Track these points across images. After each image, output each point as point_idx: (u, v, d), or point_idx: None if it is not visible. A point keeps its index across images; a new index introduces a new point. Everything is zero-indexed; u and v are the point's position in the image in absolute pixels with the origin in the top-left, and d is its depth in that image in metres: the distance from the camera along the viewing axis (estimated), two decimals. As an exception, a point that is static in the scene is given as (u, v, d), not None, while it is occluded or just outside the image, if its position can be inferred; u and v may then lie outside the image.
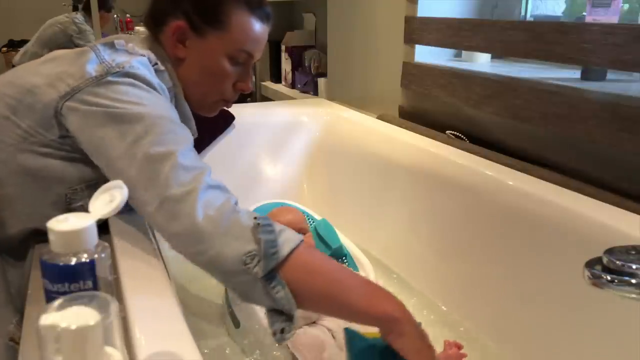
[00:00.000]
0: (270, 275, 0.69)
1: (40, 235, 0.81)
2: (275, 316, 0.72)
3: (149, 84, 0.82)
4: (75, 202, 0.83)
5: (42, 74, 0.83)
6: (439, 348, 1.05)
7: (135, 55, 0.85)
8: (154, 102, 0.79)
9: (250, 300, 0.72)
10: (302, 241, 0.72)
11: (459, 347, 0.91)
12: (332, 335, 0.98)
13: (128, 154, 0.74)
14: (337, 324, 1.01)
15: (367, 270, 1.16)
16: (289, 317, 0.71)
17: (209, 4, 0.91)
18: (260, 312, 1.04)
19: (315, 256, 0.74)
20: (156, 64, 0.88)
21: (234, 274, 0.69)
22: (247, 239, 0.69)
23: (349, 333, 0.83)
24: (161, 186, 0.71)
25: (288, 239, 0.71)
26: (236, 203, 0.74)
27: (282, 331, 0.71)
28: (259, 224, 0.70)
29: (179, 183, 0.71)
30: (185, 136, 0.79)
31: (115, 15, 3.59)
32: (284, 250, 0.69)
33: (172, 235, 0.71)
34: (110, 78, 0.79)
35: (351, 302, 0.72)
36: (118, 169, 0.75)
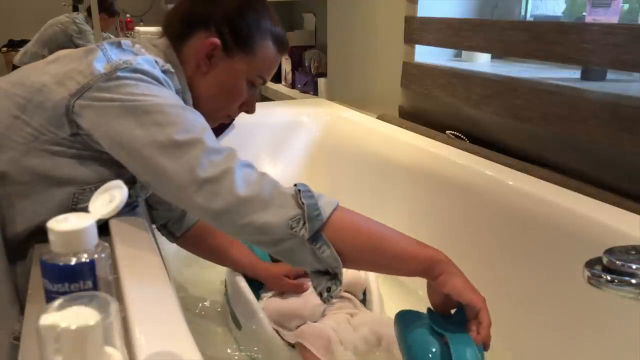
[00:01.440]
0: (316, 236, 0.73)
1: (42, 235, 0.81)
2: (319, 277, 0.76)
3: (156, 78, 0.82)
4: (82, 203, 0.84)
5: (49, 73, 0.83)
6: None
7: (140, 55, 0.85)
8: (164, 94, 0.81)
9: (298, 263, 0.76)
10: (338, 203, 0.77)
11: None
12: (334, 329, 0.98)
13: (153, 143, 0.75)
14: (336, 322, 1.01)
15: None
16: (334, 276, 0.76)
17: (244, 29, 0.94)
18: (261, 312, 1.05)
19: (355, 215, 0.79)
20: (164, 65, 0.88)
21: (282, 239, 0.73)
22: (290, 205, 0.73)
23: (399, 316, 0.83)
24: (196, 170, 0.73)
25: (328, 202, 0.76)
26: (268, 175, 0.77)
27: (329, 290, 0.75)
28: (299, 190, 0.74)
29: (214, 164, 0.73)
30: (203, 122, 0.80)
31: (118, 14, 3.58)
32: (326, 211, 0.74)
33: (217, 213, 0.73)
34: (119, 74, 0.79)
35: (397, 252, 0.77)
36: (145, 157, 0.76)
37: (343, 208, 0.77)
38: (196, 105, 0.96)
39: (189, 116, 0.78)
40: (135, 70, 0.80)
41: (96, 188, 0.86)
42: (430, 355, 0.75)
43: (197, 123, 0.78)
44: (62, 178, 0.82)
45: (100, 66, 0.80)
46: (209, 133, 0.78)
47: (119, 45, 0.87)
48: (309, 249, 0.73)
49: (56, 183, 0.82)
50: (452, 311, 0.80)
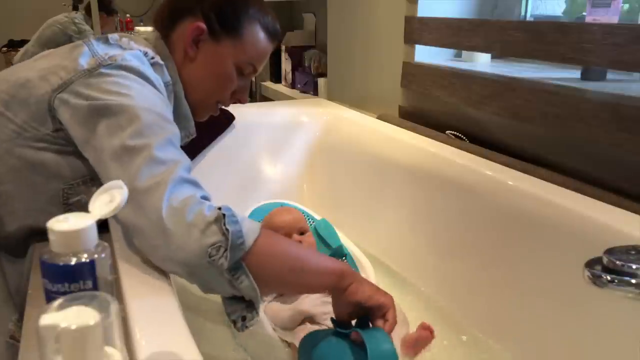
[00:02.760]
0: (235, 266, 0.68)
1: (38, 234, 0.81)
2: (234, 304, 0.72)
3: (142, 75, 0.82)
4: (72, 197, 0.83)
5: (35, 68, 0.83)
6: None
7: (128, 49, 0.85)
8: (143, 94, 0.79)
9: (212, 291, 0.71)
10: (261, 228, 0.72)
11: (431, 330, 0.96)
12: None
13: (111, 146, 0.73)
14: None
15: (367, 270, 1.16)
16: (250, 304, 0.72)
17: (230, 12, 0.94)
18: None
19: (274, 239, 0.76)
20: (153, 57, 0.88)
21: (197, 266, 0.67)
22: (212, 231, 0.66)
23: (301, 343, 0.86)
24: (131, 177, 0.69)
25: (251, 228, 0.70)
26: (205, 198, 0.72)
27: (244, 319, 0.72)
28: (223, 214, 0.68)
29: (150, 175, 0.69)
30: (169, 129, 0.77)
31: (117, 13, 3.58)
32: (250, 239, 0.69)
33: (136, 228, 0.69)
34: (102, 70, 0.79)
35: (313, 270, 0.77)
36: (99, 159, 0.75)
37: (265, 232, 0.72)
38: (188, 94, 0.97)
39: (153, 121, 0.75)
40: (120, 67, 0.80)
41: (83, 182, 0.86)
42: (344, 354, 0.77)
43: (158, 129, 0.74)
44: (48, 173, 0.81)
45: (84, 62, 0.80)
46: (167, 141, 0.74)
47: (106, 40, 0.86)
48: (226, 279, 0.68)
49: (43, 179, 0.81)
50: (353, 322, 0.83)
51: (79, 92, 0.78)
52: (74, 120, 0.78)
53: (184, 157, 0.75)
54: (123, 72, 0.80)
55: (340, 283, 0.77)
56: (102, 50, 0.83)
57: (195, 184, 0.72)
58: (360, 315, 0.81)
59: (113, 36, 0.88)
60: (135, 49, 0.86)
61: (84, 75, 0.79)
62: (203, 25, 0.93)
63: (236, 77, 0.98)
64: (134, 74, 0.81)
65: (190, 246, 0.65)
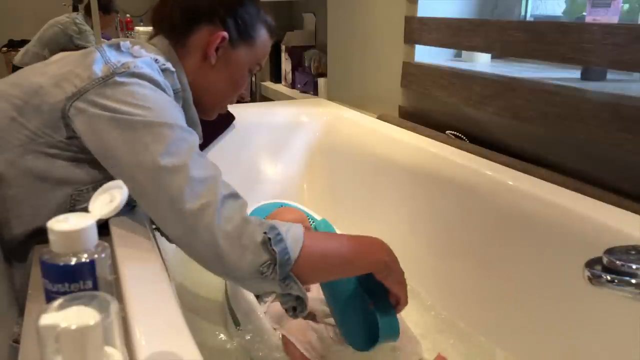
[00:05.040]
0: (285, 277, 0.75)
1: (42, 235, 0.81)
2: (286, 297, 0.79)
3: (154, 82, 0.82)
4: (79, 204, 0.83)
5: (48, 74, 0.83)
6: (437, 348, 1.05)
7: (139, 57, 0.85)
8: (160, 105, 0.79)
9: (265, 294, 0.82)
10: (304, 234, 0.78)
11: None
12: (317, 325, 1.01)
13: (137, 162, 0.74)
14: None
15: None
16: (300, 299, 0.80)
17: (247, 20, 0.96)
18: (260, 311, 1.05)
19: (316, 241, 0.81)
20: (164, 64, 0.88)
21: (252, 281, 0.75)
22: (262, 252, 0.73)
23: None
24: (175, 199, 0.73)
25: (295, 239, 0.76)
26: (243, 204, 0.78)
27: (294, 309, 0.81)
28: (269, 238, 0.74)
29: (195, 196, 0.73)
30: (193, 142, 0.80)
31: (117, 12, 3.57)
32: (295, 252, 0.75)
33: (192, 249, 0.74)
34: (117, 78, 0.79)
35: (352, 268, 0.85)
36: (128, 175, 0.75)
37: (307, 237, 0.78)
38: (199, 100, 0.97)
39: (178, 136, 0.77)
40: (133, 75, 0.80)
41: (93, 189, 0.86)
42: (358, 318, 0.92)
43: (184, 144, 0.77)
44: (59, 179, 0.82)
45: (98, 69, 0.80)
46: (197, 156, 0.77)
47: (117, 47, 0.86)
48: (278, 287, 0.76)
49: (53, 185, 0.82)
50: None
51: (96, 102, 0.78)
52: (91, 132, 0.78)
53: (215, 168, 0.79)
54: (137, 80, 0.80)
55: (382, 274, 0.86)
56: (114, 57, 0.83)
57: (235, 196, 0.77)
58: None
59: (125, 43, 0.87)
60: (145, 56, 0.86)
61: (98, 84, 0.79)
62: (226, 34, 0.93)
63: (247, 79, 1.02)
64: (147, 81, 0.81)
65: (244, 267, 0.73)
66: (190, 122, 0.97)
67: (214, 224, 0.72)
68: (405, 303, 0.90)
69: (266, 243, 0.74)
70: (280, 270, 0.74)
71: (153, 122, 0.76)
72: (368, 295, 0.91)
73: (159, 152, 0.74)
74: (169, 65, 0.89)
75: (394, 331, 0.89)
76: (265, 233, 0.74)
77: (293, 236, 0.76)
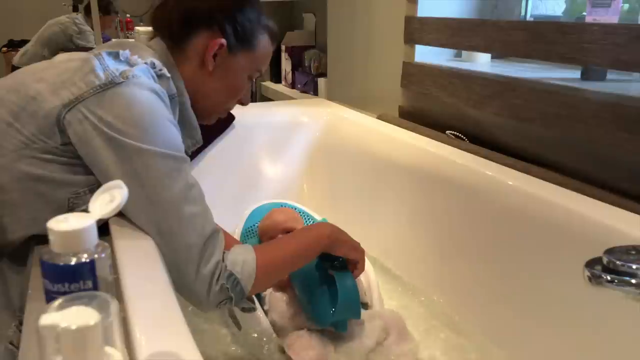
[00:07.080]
0: (240, 303, 0.86)
1: (41, 240, 0.81)
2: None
3: (151, 90, 0.82)
4: (77, 207, 0.83)
5: (45, 80, 0.82)
6: (438, 348, 1.05)
7: (136, 65, 0.85)
8: (154, 124, 0.80)
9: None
10: (255, 258, 0.83)
11: None
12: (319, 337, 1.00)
13: (128, 185, 0.75)
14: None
15: (367, 270, 1.16)
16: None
17: (246, 26, 0.95)
18: (260, 312, 1.05)
19: (267, 257, 0.86)
20: (161, 69, 0.88)
21: (209, 309, 0.83)
22: (223, 294, 0.81)
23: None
24: (165, 233, 0.78)
25: (249, 274, 0.82)
26: (222, 241, 0.84)
27: (243, 309, 0.91)
28: (227, 287, 0.81)
29: (183, 233, 0.78)
30: (184, 169, 0.81)
31: (117, 14, 3.57)
32: (249, 284, 0.82)
33: (171, 268, 0.77)
34: (115, 87, 0.79)
35: (305, 258, 0.93)
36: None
37: (259, 255, 0.84)
38: (197, 104, 0.97)
39: (169, 168, 0.79)
40: (131, 84, 0.80)
41: (90, 191, 0.86)
42: (319, 287, 0.99)
43: (175, 174, 0.80)
44: (55, 183, 0.82)
45: (95, 77, 0.80)
46: (185, 188, 0.80)
47: (116, 56, 0.86)
48: (231, 310, 0.94)
49: (49, 189, 0.82)
50: None
51: (92, 112, 0.78)
52: (84, 143, 0.79)
53: (202, 200, 0.83)
54: (134, 89, 0.80)
55: (327, 248, 0.93)
56: (112, 65, 0.83)
57: (214, 235, 0.81)
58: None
59: (124, 53, 0.87)
60: (140, 63, 0.86)
61: (95, 92, 0.79)
62: (224, 41, 0.92)
63: (246, 84, 1.01)
64: (144, 90, 0.81)
65: (207, 303, 0.81)
66: (188, 126, 0.97)
67: (195, 262, 0.78)
68: (362, 268, 0.98)
69: (226, 290, 0.81)
70: (236, 302, 0.83)
71: (142, 149, 0.77)
72: (331, 269, 0.98)
73: (150, 182, 0.77)
74: (164, 70, 0.88)
75: (352, 293, 0.94)
76: (223, 283, 0.81)
77: (247, 272, 0.82)
